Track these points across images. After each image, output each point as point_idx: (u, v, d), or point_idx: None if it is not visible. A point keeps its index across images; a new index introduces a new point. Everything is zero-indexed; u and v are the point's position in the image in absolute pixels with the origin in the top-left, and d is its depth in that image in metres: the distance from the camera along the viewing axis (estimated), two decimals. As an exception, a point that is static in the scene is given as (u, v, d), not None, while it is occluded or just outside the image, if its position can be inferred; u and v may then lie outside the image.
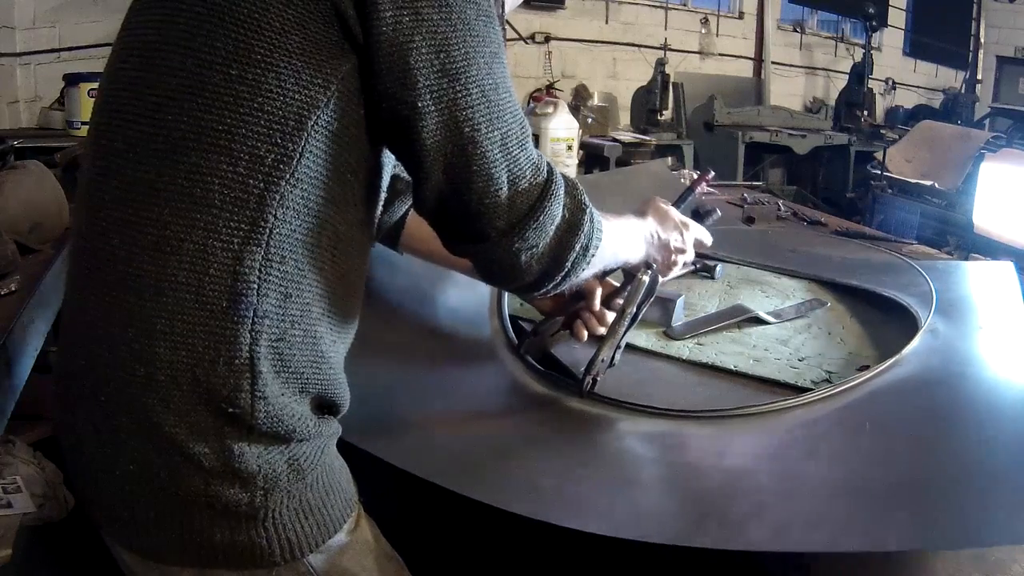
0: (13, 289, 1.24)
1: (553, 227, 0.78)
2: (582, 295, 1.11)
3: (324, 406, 0.77)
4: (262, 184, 0.67)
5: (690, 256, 1.07)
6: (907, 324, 1.34)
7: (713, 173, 1.29)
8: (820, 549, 0.79)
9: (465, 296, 1.36)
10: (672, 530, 0.81)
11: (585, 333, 1.12)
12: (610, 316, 1.09)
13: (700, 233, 1.08)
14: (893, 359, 1.17)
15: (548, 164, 0.79)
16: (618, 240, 0.92)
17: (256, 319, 0.68)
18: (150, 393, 0.68)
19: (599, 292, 1.11)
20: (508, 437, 1.01)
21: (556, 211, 0.78)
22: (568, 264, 0.81)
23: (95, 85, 2.90)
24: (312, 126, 0.68)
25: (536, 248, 0.77)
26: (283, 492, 0.71)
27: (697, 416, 1.02)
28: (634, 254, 0.99)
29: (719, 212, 1.16)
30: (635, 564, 1.01)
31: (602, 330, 1.09)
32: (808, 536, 0.79)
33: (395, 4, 0.67)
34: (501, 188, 0.73)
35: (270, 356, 0.69)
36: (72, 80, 3.04)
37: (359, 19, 0.67)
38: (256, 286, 0.68)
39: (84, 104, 2.99)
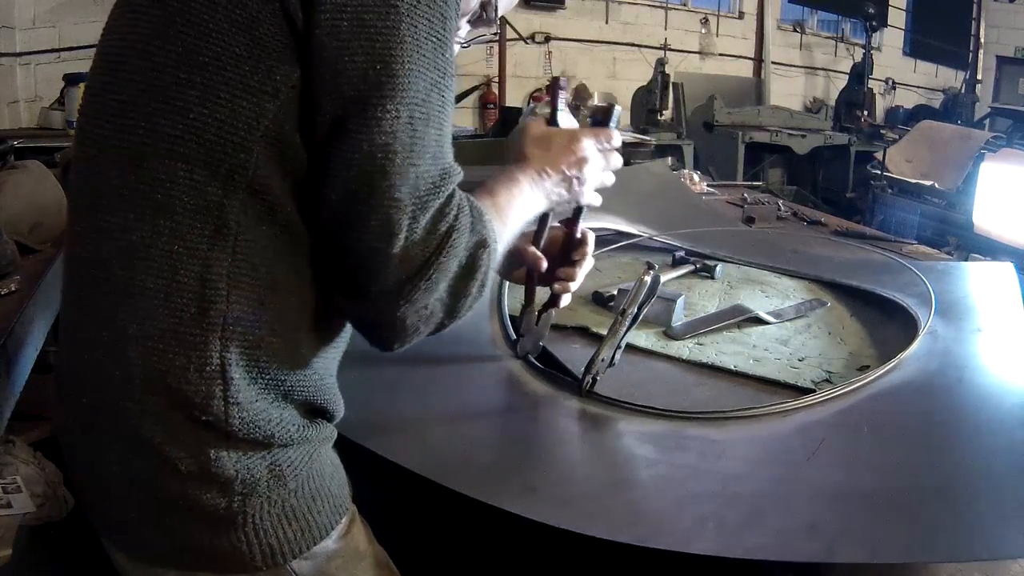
0: (13, 289, 1.24)
1: (446, 282, 0.70)
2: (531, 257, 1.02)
3: (314, 411, 0.76)
4: (221, 192, 0.65)
5: (598, 160, 0.94)
6: (907, 325, 1.34)
7: (564, 79, 1.06)
8: (818, 559, 0.79)
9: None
10: (670, 534, 0.81)
11: (568, 297, 1.06)
12: (580, 272, 1.02)
13: (597, 136, 0.94)
14: (892, 362, 1.17)
15: (456, 209, 0.70)
16: (514, 218, 0.84)
17: (227, 326, 0.66)
18: (126, 397, 0.67)
19: (543, 262, 1.02)
20: (508, 437, 1.01)
21: (452, 265, 0.70)
22: (463, 310, 0.75)
23: (95, 85, 2.89)
24: (261, 136, 0.65)
25: (426, 308, 0.70)
26: (262, 497, 0.69)
27: (696, 417, 1.02)
28: (535, 208, 0.89)
29: (619, 106, 1.02)
30: (633, 564, 1.01)
31: (574, 286, 1.04)
32: (806, 545, 0.79)
33: (337, 6, 0.62)
34: (397, 235, 0.65)
35: (243, 363, 0.67)
36: (72, 80, 3.04)
37: (305, 22, 0.63)
38: (225, 293, 0.66)
39: (84, 104, 2.99)
